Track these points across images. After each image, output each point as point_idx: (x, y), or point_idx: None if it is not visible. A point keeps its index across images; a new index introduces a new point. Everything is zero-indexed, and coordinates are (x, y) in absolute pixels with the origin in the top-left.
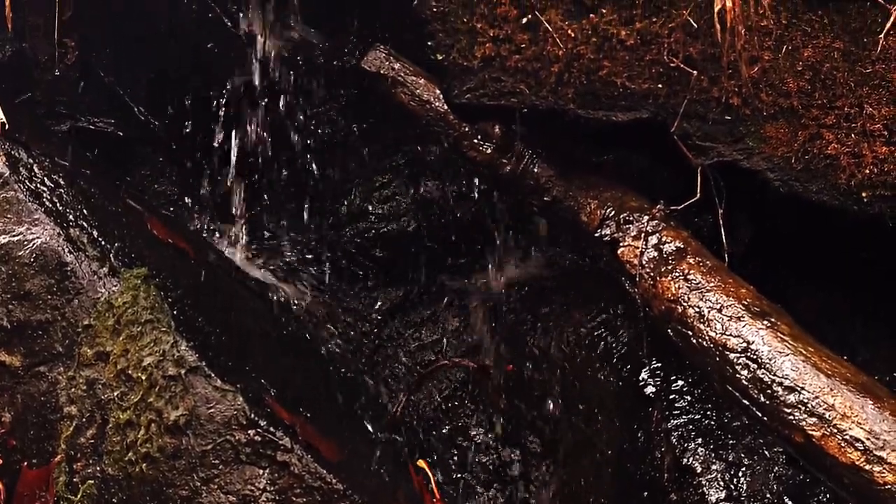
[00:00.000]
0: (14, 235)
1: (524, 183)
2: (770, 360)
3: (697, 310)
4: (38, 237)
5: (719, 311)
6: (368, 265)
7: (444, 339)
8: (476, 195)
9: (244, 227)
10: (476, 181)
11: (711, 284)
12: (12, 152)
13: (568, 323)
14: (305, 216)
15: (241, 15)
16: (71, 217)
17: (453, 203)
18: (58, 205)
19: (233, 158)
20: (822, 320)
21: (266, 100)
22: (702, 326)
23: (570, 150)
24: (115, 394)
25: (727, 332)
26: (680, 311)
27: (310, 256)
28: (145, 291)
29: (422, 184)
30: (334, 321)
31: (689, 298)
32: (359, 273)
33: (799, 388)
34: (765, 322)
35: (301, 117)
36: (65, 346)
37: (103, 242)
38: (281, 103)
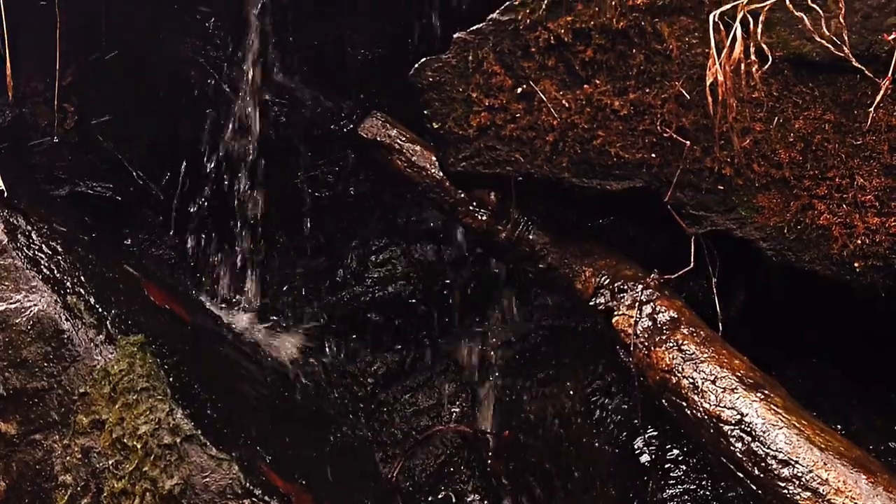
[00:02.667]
0: (11, 303)
1: (519, 250)
2: (764, 432)
3: (691, 381)
4: (35, 304)
5: (713, 382)
6: (365, 329)
7: (440, 404)
8: (472, 260)
9: (240, 291)
10: (472, 246)
11: (705, 355)
12: (11, 219)
13: (563, 388)
14: (302, 280)
15: (239, 81)
16: (68, 284)
17: (449, 267)
18: (55, 271)
19: (229, 223)
20: (815, 388)
21: (263, 164)
22: (696, 398)
23: (565, 217)
24: (111, 462)
25: (721, 404)
26: (674, 381)
27: (306, 320)
28: (141, 359)
29: (418, 248)
30: (331, 386)
31: (683, 369)
32: (355, 337)
33: (793, 462)
34: (759, 394)
35: (298, 181)
36: (60, 413)
37: (100, 309)
38: (278, 167)
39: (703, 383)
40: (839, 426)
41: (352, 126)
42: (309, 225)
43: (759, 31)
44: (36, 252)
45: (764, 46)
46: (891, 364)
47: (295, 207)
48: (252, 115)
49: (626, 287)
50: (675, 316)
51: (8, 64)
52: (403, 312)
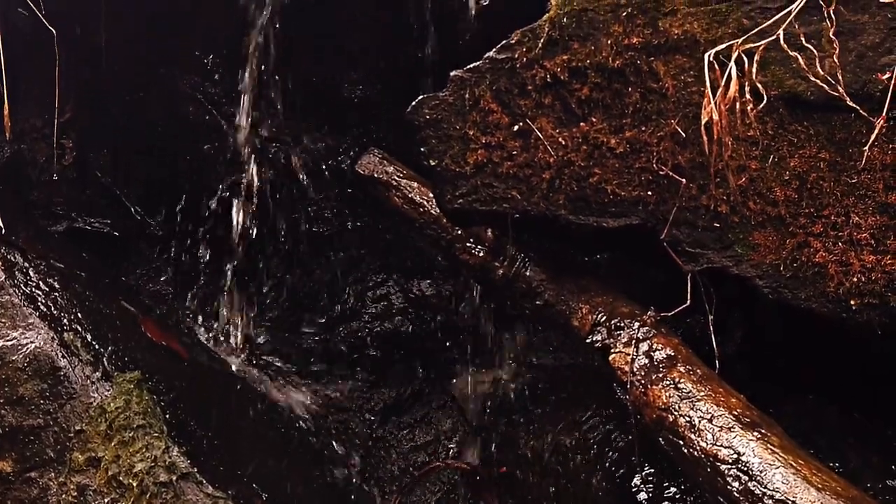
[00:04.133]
0: (8, 340)
1: (516, 286)
2: (761, 472)
3: (688, 419)
4: (31, 342)
5: (710, 420)
6: (362, 365)
7: (438, 440)
8: (469, 295)
9: (237, 326)
10: (469, 281)
11: (702, 394)
12: (8, 256)
13: (560, 425)
14: (299, 315)
15: (236, 116)
16: (65, 321)
17: (446, 302)
18: (52, 308)
19: (226, 259)
20: (812, 426)
21: (260, 199)
22: (693, 436)
23: (562, 253)
24: (106, 500)
25: (718, 443)
26: (671, 420)
27: (303, 356)
28: (138, 396)
29: (415, 283)
30: (328, 422)
31: (679, 407)
32: (352, 373)
33: (790, 502)
34: (756, 433)
35: (295, 216)
36: (56, 451)
37: (97, 346)
38: (275, 202)
39: (699, 422)
40: (836, 464)
41: (349, 162)
42: (307, 260)
43: (753, 70)
44: (33, 289)
45: (759, 85)
46: (888, 401)
47: (293, 243)
48: (249, 151)
49: (622, 324)
50: (672, 354)
51: (6, 102)
52: (401, 348)
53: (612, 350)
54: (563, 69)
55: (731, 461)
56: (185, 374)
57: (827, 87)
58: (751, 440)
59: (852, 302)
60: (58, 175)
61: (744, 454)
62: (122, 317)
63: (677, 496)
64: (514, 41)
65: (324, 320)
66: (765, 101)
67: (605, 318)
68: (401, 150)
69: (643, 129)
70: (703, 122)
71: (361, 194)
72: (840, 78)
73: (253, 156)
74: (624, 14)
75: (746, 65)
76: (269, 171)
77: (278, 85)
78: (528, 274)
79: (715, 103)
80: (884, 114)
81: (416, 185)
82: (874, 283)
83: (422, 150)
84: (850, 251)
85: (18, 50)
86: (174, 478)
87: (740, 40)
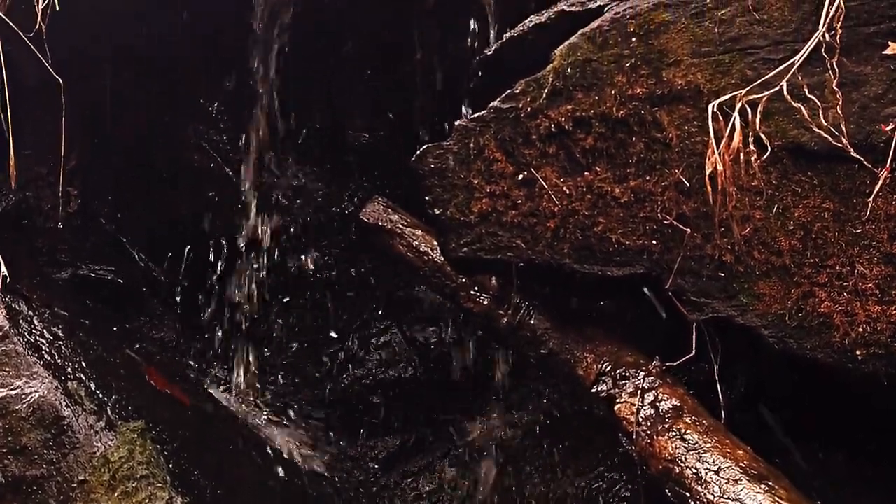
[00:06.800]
0: (12, 389)
1: (521, 335)
2: None
3: (695, 471)
4: (35, 391)
5: (717, 473)
6: (366, 412)
7: (441, 489)
8: (473, 343)
9: (241, 374)
10: (473, 330)
11: (708, 445)
12: (13, 305)
13: (565, 473)
14: (303, 362)
15: (241, 164)
16: (69, 370)
17: (450, 350)
18: (56, 357)
19: (230, 306)
20: (819, 473)
21: (265, 245)
22: (699, 488)
23: (567, 301)
24: None
25: (725, 496)
26: (677, 471)
27: (307, 404)
28: (141, 445)
29: (419, 330)
30: (331, 471)
31: (686, 459)
32: (356, 420)
33: None
34: (763, 486)
35: (299, 262)
36: (59, 501)
37: (101, 395)
38: (279, 248)
39: (706, 474)
40: None
41: (353, 208)
42: (310, 307)
43: (757, 120)
44: (37, 338)
45: (762, 136)
46: (894, 449)
47: (296, 290)
48: (253, 198)
49: (628, 374)
50: (678, 404)
51: (12, 151)
52: (405, 395)
53: (618, 400)
54: (568, 119)
55: None
56: (189, 422)
57: (830, 138)
58: (758, 493)
59: (858, 352)
60: (62, 222)
61: None
62: (127, 365)
63: None
64: (518, 91)
65: (328, 367)
66: (769, 152)
67: (610, 367)
68: (405, 198)
69: (647, 178)
70: (707, 172)
71: (365, 241)
72: (844, 129)
73: (257, 202)
74: (627, 64)
75: (750, 115)
76: (273, 217)
77: (283, 131)
78: (532, 322)
79: (719, 154)
80: (888, 165)
81: (420, 233)
82: (880, 334)
83: (426, 198)
84: (855, 301)
85: (24, 97)
86: None
87: (744, 91)
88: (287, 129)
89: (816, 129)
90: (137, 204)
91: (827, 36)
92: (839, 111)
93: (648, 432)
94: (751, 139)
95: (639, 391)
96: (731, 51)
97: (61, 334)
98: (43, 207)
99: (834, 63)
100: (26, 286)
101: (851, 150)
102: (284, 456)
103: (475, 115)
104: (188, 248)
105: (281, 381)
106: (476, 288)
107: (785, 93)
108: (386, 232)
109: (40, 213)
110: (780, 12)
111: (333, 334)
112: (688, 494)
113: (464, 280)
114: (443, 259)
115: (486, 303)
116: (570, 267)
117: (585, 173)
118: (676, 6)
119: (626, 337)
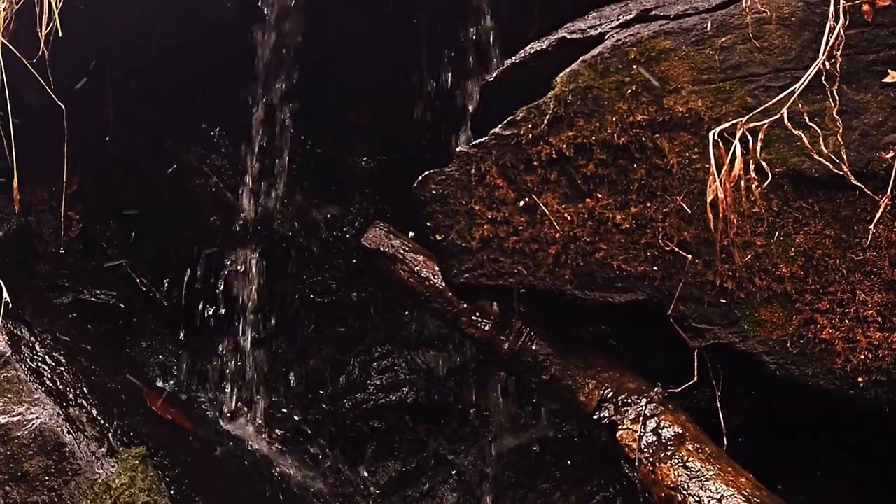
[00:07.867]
0: (14, 416)
1: (522, 360)
2: None
3: (697, 499)
4: (37, 417)
5: (719, 501)
6: (367, 437)
7: None
8: (474, 367)
9: (242, 400)
10: (474, 354)
11: (711, 472)
12: (14, 331)
13: (566, 499)
14: (304, 387)
15: (242, 188)
16: (71, 396)
17: (451, 375)
18: (58, 383)
19: (231, 330)
20: (822, 501)
21: (266, 270)
22: None
23: (568, 327)
24: None
25: None
26: (680, 499)
27: (308, 428)
28: (143, 472)
29: (420, 355)
30: (333, 496)
31: (688, 487)
32: (357, 445)
33: None
34: None
35: (301, 287)
36: None
37: (102, 421)
38: (281, 274)
39: (709, 502)
40: None
41: (354, 233)
42: (311, 332)
43: (758, 147)
44: (39, 364)
45: (763, 163)
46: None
47: (297, 314)
48: (255, 222)
49: (629, 401)
50: (680, 431)
51: (15, 177)
52: (406, 420)
53: (620, 427)
54: (569, 145)
55: None
56: (191, 448)
57: (831, 166)
58: None
59: (860, 379)
60: (64, 247)
61: None
62: (128, 391)
63: None
64: (519, 117)
65: (329, 392)
66: (769, 179)
67: (611, 393)
68: (406, 223)
69: (649, 204)
70: (708, 199)
71: (366, 267)
72: (844, 156)
73: (258, 227)
74: (629, 91)
75: (751, 142)
76: (274, 242)
77: (284, 156)
78: (533, 348)
79: (720, 181)
80: (888, 192)
81: (421, 258)
82: (881, 361)
83: (428, 224)
84: (856, 328)
85: (27, 123)
86: None
87: (744, 118)
88: (288, 153)
89: (817, 157)
90: (139, 228)
91: (827, 64)
92: (840, 138)
93: (650, 459)
94: (752, 166)
95: (641, 418)
96: (732, 78)
97: (63, 360)
98: (44, 232)
99: (834, 91)
100: (28, 311)
101: (852, 177)
102: (286, 481)
103: (477, 142)
104: (189, 272)
105: (282, 407)
106: (477, 314)
107: (786, 120)
108: (387, 257)
109: (41, 237)
110: (780, 40)
111: (336, 358)
112: None
113: (465, 306)
114: (444, 285)
115: (487, 329)
116: (572, 293)
117: (587, 200)
118: (677, 34)
119: (627, 363)
